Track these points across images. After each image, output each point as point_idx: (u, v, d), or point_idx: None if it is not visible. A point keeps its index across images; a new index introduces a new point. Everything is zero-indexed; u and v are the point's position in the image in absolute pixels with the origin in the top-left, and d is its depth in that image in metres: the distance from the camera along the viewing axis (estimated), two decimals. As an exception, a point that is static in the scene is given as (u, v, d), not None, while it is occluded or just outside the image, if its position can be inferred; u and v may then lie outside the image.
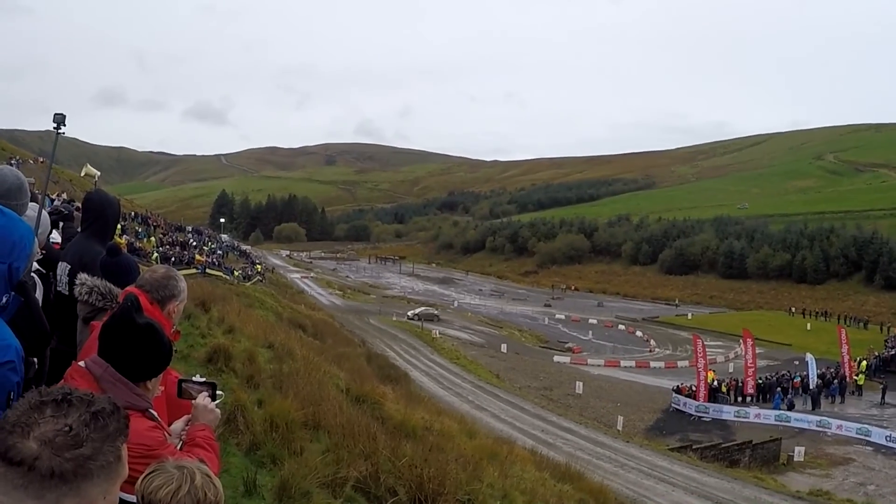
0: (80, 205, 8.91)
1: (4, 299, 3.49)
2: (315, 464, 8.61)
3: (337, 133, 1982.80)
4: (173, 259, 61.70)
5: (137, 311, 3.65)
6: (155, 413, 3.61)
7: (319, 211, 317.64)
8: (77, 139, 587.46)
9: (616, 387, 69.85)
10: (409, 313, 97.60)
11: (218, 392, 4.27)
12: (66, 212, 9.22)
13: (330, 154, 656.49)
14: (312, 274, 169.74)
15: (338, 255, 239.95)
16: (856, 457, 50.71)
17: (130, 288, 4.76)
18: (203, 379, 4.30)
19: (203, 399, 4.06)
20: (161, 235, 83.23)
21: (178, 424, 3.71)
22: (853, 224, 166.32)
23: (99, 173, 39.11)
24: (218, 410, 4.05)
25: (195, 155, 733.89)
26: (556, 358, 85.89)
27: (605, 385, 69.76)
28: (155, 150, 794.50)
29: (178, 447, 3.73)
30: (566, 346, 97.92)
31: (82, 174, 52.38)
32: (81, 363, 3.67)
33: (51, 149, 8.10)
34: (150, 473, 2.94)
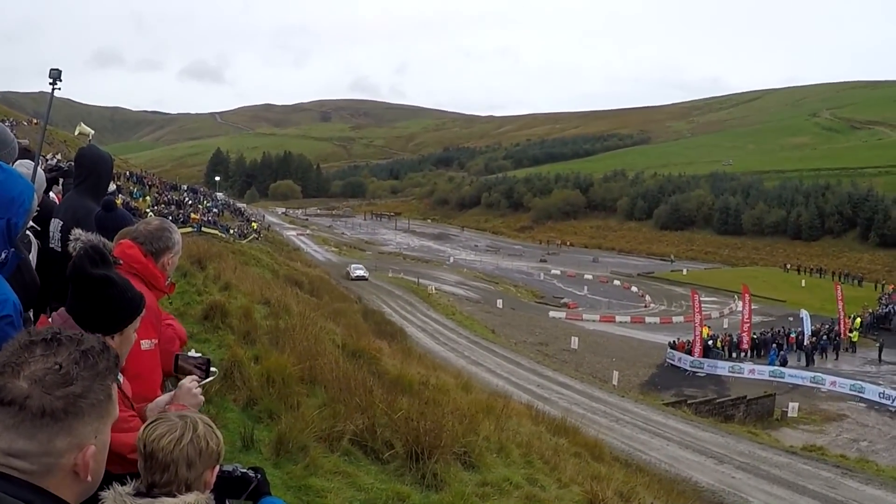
0: (72, 162, 8.82)
1: (4, 255, 3.42)
2: (312, 418, 8.64)
3: (332, 90, 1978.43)
4: (170, 218, 61.48)
5: (93, 262, 3.54)
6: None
7: (315, 168, 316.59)
8: (71, 100, 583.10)
9: (611, 342, 70.16)
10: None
11: (212, 369, 4.28)
12: (66, 168, 9.12)
13: (325, 110, 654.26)
14: (308, 231, 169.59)
15: (333, 212, 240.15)
16: (849, 413, 50.99)
17: (125, 240, 4.72)
18: (199, 355, 4.25)
19: (189, 381, 3.97)
20: (156, 195, 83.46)
21: (162, 399, 3.64)
22: (848, 181, 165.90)
23: (93, 132, 38.82)
24: (201, 397, 3.95)
25: (190, 114, 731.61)
26: (551, 313, 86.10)
27: (600, 340, 70.01)
28: (150, 110, 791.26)
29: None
30: (562, 301, 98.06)
31: (76, 133, 52.22)
32: (50, 317, 3.61)
33: (45, 111, 7.98)
34: (153, 422, 2.98)
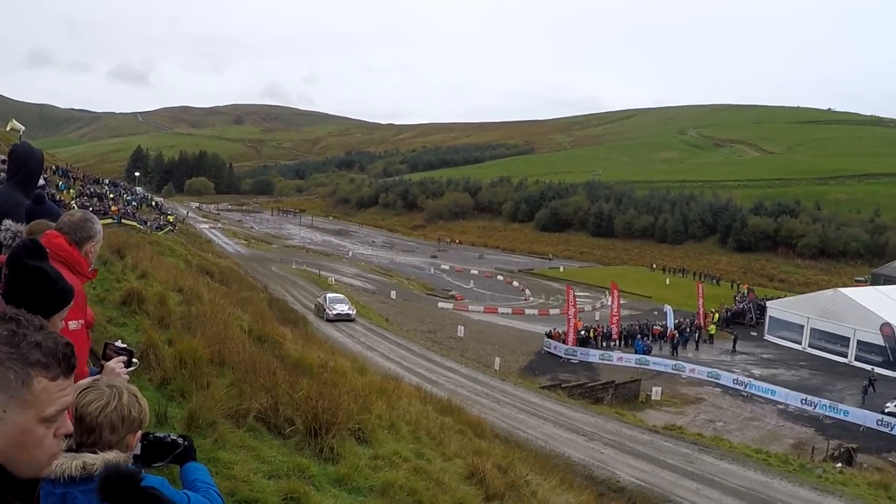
0: (4, 157, 8.66)
1: None
2: (220, 397, 8.67)
3: (246, 95, 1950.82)
4: (91, 209, 60.28)
5: (30, 254, 3.52)
6: None
7: (228, 167, 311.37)
8: (3, 96, 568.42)
9: (494, 331, 70.53)
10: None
11: (134, 360, 4.25)
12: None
13: (239, 114, 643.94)
14: (220, 225, 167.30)
15: (243, 208, 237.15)
16: (707, 397, 52.25)
17: (51, 230, 4.74)
18: (124, 345, 4.25)
19: (115, 363, 4.06)
20: (80, 188, 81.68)
21: (85, 382, 3.63)
22: (710, 192, 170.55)
23: (24, 128, 38.11)
24: (126, 377, 3.95)
25: (114, 113, 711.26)
26: (440, 304, 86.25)
27: (484, 329, 70.37)
28: (77, 108, 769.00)
29: None
30: (450, 293, 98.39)
31: (7, 129, 51.41)
32: None
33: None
34: (84, 389, 3.12)
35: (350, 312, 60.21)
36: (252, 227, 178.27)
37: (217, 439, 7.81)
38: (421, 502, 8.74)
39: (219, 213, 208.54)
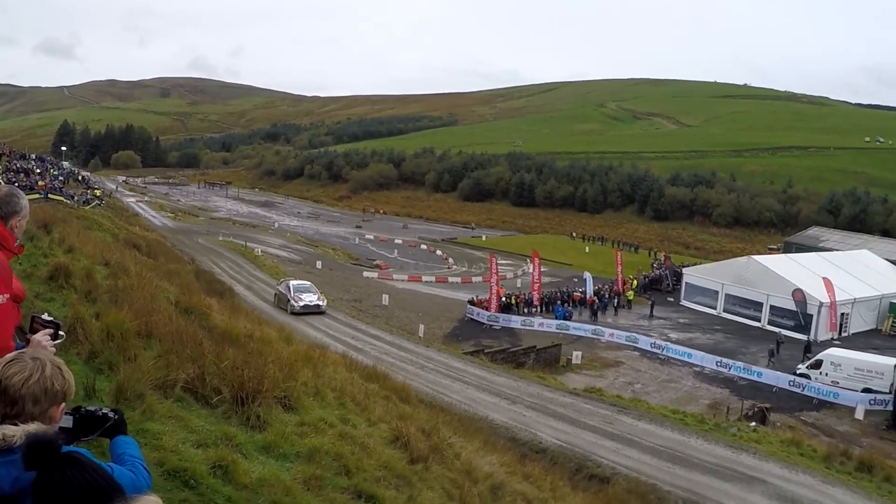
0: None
1: None
2: (148, 369, 8.63)
3: (172, 68, 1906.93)
4: (17, 185, 59.01)
5: None
6: None
7: (154, 140, 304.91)
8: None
9: (418, 299, 70.72)
10: None
11: (60, 332, 4.27)
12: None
13: (165, 87, 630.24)
14: (146, 198, 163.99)
15: (170, 181, 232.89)
16: (625, 360, 53.09)
17: None
18: (51, 318, 4.25)
19: (41, 336, 4.10)
20: (6, 163, 79.91)
21: (10, 355, 3.62)
22: (629, 164, 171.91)
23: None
24: (52, 349, 3.94)
25: (41, 87, 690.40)
26: (365, 273, 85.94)
27: (408, 297, 70.53)
28: (3, 83, 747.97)
29: None
30: (374, 262, 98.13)
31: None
32: None
33: None
34: (8, 361, 3.13)
35: (320, 303, 51.30)
36: (179, 200, 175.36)
37: (145, 410, 7.79)
38: (346, 467, 8.77)
39: (146, 187, 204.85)
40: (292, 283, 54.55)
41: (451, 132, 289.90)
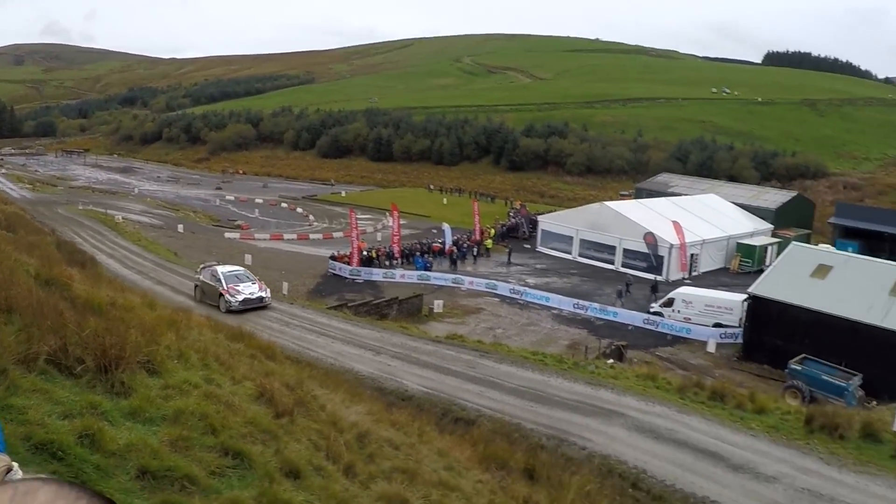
0: None
1: None
2: (9, 343, 8.26)
3: (25, 34, 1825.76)
4: None
5: None
6: None
7: (9, 110, 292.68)
8: None
9: (280, 257, 70.20)
10: None
11: None
12: None
13: (18, 54, 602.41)
14: (3, 170, 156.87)
15: (26, 151, 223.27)
16: (485, 307, 53.78)
17: None
18: None
19: None
20: None
21: None
22: (484, 117, 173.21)
23: None
24: None
25: None
26: (227, 234, 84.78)
27: (271, 256, 69.89)
28: None
29: None
30: (236, 223, 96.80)
31: None
32: None
33: None
34: None
35: (264, 294, 39.36)
36: (37, 171, 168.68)
37: (9, 386, 7.45)
38: (212, 426, 8.61)
39: (1, 159, 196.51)
40: (220, 269, 40.92)
41: (308, 90, 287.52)
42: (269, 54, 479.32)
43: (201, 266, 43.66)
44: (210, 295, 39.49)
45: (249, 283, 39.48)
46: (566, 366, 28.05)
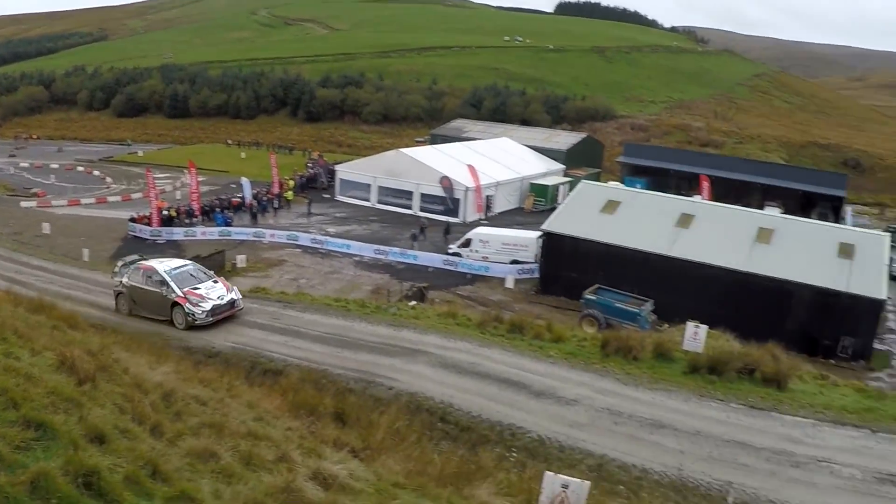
0: None
1: None
2: None
3: None
4: None
5: None
6: None
7: None
8: None
9: (80, 223, 68.12)
10: None
11: None
12: None
13: None
14: None
15: None
16: (288, 258, 54.17)
17: None
18: None
19: None
20: None
21: None
22: (281, 69, 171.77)
23: None
24: None
25: None
26: (23, 203, 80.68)
27: (70, 223, 67.71)
28: None
29: None
30: (31, 191, 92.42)
31: None
32: None
33: None
34: None
35: (234, 297, 28.72)
36: None
37: None
38: (13, 399, 8.47)
39: None
40: (161, 267, 29.13)
41: (102, 48, 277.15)
42: (61, 11, 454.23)
43: (120, 263, 31.61)
44: (148, 305, 28.69)
45: (211, 283, 28.91)
46: (369, 310, 28.58)
